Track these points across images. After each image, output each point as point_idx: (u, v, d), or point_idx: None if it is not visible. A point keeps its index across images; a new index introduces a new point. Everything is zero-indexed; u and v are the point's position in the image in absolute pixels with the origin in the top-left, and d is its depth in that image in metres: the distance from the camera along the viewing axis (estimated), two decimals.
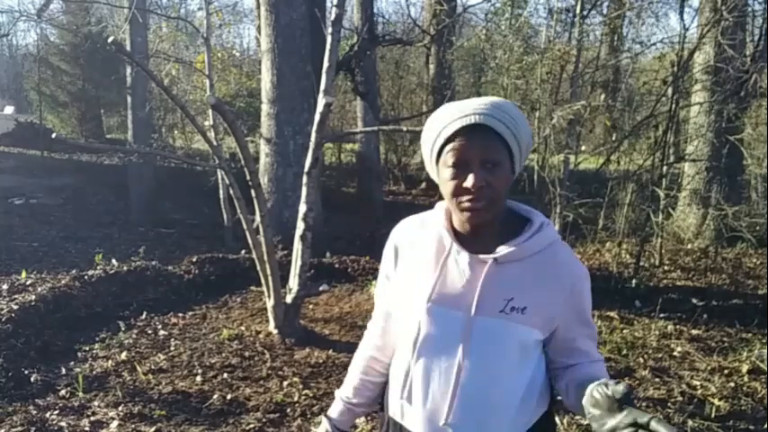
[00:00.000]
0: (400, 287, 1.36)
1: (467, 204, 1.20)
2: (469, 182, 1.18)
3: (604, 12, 6.34)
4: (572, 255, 1.31)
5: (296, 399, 3.28)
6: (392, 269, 1.39)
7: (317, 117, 3.85)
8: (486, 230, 1.26)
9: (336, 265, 5.78)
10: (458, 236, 1.29)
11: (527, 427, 1.30)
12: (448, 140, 1.21)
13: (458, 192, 1.20)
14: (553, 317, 1.26)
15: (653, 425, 1.02)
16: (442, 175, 1.24)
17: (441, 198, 1.32)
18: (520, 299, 1.23)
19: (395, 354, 1.40)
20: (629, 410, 1.07)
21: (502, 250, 1.24)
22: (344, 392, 1.50)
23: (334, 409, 1.51)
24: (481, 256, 1.25)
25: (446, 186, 1.23)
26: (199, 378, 3.51)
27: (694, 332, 4.45)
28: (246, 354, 3.86)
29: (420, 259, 1.33)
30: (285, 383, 3.45)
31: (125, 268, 5.11)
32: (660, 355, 4.03)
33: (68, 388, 3.31)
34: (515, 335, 1.24)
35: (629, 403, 1.08)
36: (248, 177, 3.81)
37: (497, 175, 1.19)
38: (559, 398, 1.37)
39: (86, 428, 2.93)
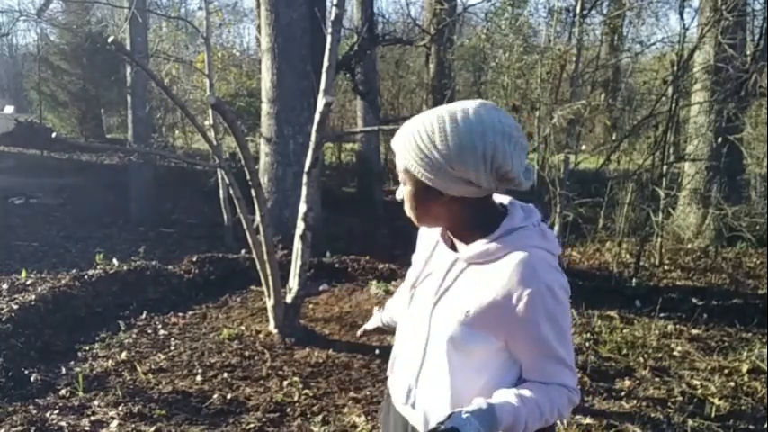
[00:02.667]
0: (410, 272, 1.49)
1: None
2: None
3: (604, 11, 6.34)
4: (533, 267, 1.20)
5: (296, 398, 3.28)
6: (418, 250, 1.51)
7: (317, 117, 3.85)
8: (457, 233, 1.32)
9: (336, 265, 5.78)
10: (450, 235, 1.38)
11: None
12: None
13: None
14: (499, 325, 1.22)
15: None
16: None
17: None
18: (467, 301, 1.25)
19: None
20: None
21: (464, 251, 1.29)
22: (390, 309, 1.71)
23: (386, 314, 1.74)
24: (451, 254, 1.32)
25: None
26: (199, 378, 3.51)
27: (694, 332, 4.46)
28: (246, 353, 3.86)
29: (422, 250, 1.44)
30: (285, 383, 3.45)
31: (125, 268, 5.10)
32: (660, 355, 4.03)
33: (68, 388, 3.31)
34: (461, 335, 1.25)
35: None
36: (248, 177, 3.81)
37: (407, 191, 1.29)
38: None
39: (86, 428, 2.93)
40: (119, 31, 8.64)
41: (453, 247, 1.34)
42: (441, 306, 1.30)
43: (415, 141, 1.21)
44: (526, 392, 1.23)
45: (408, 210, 1.31)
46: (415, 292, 1.39)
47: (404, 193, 1.30)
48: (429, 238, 1.44)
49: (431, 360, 1.32)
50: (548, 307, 1.20)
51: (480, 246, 1.25)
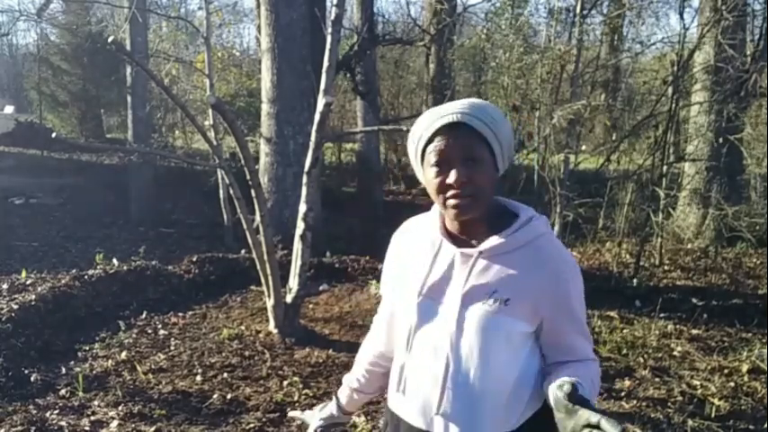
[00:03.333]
0: (398, 286, 1.41)
1: (451, 201, 1.25)
2: (452, 178, 1.23)
3: (604, 11, 6.34)
4: (559, 249, 1.31)
5: (296, 398, 3.28)
6: (393, 268, 1.46)
7: (317, 117, 3.85)
8: (474, 227, 1.31)
9: (336, 265, 5.78)
10: (449, 234, 1.35)
11: (521, 418, 1.32)
12: (430, 140, 1.26)
13: (442, 189, 1.25)
14: (537, 309, 1.27)
15: (603, 424, 1.05)
16: (426, 174, 1.29)
17: None
18: (503, 290, 1.26)
19: (396, 347, 1.45)
20: (582, 411, 1.09)
21: (486, 244, 1.28)
22: (350, 380, 1.58)
23: (342, 393, 1.60)
24: (467, 250, 1.30)
25: (431, 185, 1.27)
26: (199, 378, 3.51)
27: (694, 332, 4.45)
28: (246, 353, 3.86)
29: (414, 258, 1.38)
30: (285, 383, 3.45)
31: (125, 268, 5.10)
32: (660, 355, 4.03)
33: (68, 388, 3.31)
34: (499, 326, 1.26)
35: (582, 403, 1.10)
36: (248, 177, 3.81)
37: (479, 172, 1.24)
38: None
39: (86, 428, 2.93)
40: (119, 31, 8.63)
41: (459, 245, 1.32)
42: (471, 304, 1.27)
43: (498, 122, 1.25)
44: (579, 373, 1.25)
45: (477, 192, 1.24)
46: (423, 300, 1.32)
47: (475, 174, 1.23)
48: (408, 248, 1.41)
49: (462, 362, 1.28)
50: (578, 286, 1.30)
51: (504, 236, 1.28)
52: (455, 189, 1.23)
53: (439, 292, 1.31)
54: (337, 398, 1.60)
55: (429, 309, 1.32)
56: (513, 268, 1.27)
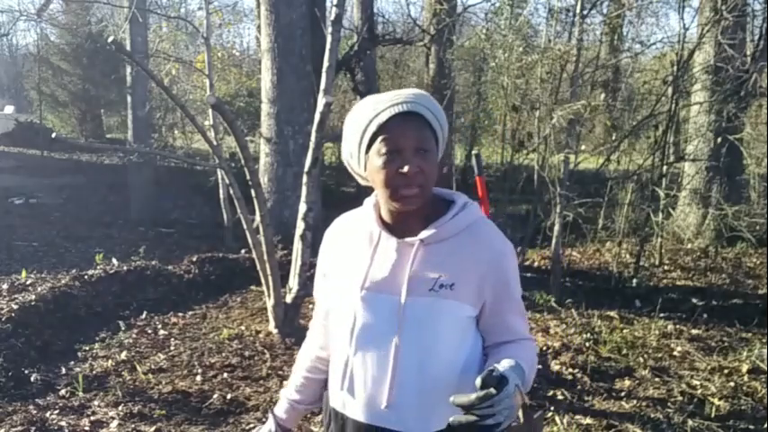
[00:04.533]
0: (336, 282, 1.39)
1: (401, 191, 1.23)
2: (405, 168, 1.21)
3: (604, 11, 6.34)
4: (495, 231, 1.34)
5: None
6: (327, 267, 1.43)
7: (317, 116, 3.85)
8: (412, 217, 1.30)
9: None
10: (386, 225, 1.34)
11: None
12: (380, 129, 1.23)
13: (391, 179, 1.23)
14: (480, 291, 1.29)
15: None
16: (373, 163, 1.25)
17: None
18: (447, 276, 1.27)
19: (333, 346, 1.41)
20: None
21: (426, 232, 1.28)
22: (289, 391, 1.55)
23: (280, 408, 1.54)
24: (407, 239, 1.29)
25: (378, 174, 1.24)
26: (199, 378, 3.51)
27: (694, 332, 4.45)
28: (246, 353, 3.86)
29: (352, 253, 1.36)
30: (285, 383, 3.45)
31: (125, 268, 5.11)
32: (660, 355, 4.03)
33: (68, 388, 3.31)
34: (447, 311, 1.27)
35: (501, 386, 1.08)
36: (248, 177, 3.81)
37: (429, 161, 1.24)
38: None
39: (86, 428, 2.93)
40: (119, 31, 8.63)
41: (399, 235, 1.31)
42: (417, 292, 1.26)
43: (441, 112, 1.27)
44: (517, 354, 1.25)
45: (426, 182, 1.24)
46: (366, 293, 1.30)
47: (425, 165, 1.23)
48: (343, 244, 1.40)
49: (411, 351, 1.27)
50: (515, 267, 1.34)
51: (442, 222, 1.29)
52: (407, 180, 1.21)
53: (382, 284, 1.30)
54: (275, 415, 1.52)
55: (373, 301, 1.30)
56: (454, 253, 1.28)
